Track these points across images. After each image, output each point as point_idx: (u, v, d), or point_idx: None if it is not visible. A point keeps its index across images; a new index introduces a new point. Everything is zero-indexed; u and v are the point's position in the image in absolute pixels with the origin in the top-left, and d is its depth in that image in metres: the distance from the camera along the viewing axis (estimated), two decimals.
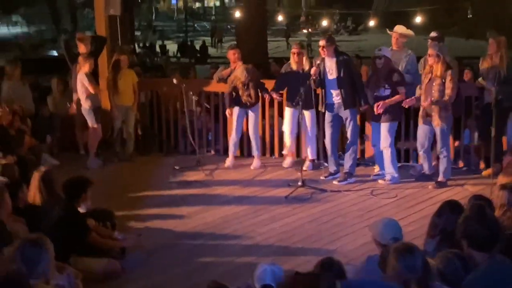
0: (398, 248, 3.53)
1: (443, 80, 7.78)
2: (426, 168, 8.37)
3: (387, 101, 8.07)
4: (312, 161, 9.12)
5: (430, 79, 7.90)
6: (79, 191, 6.01)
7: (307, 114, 8.86)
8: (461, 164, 9.04)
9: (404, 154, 9.12)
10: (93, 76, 9.44)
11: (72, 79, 9.72)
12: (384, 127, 8.23)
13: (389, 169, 8.33)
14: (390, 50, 8.43)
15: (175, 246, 6.64)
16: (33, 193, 6.16)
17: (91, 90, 9.17)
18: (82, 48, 9.52)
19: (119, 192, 8.29)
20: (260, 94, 9.09)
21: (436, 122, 7.88)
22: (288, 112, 9.03)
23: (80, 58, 9.24)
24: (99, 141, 9.56)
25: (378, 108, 8.06)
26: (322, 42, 8.30)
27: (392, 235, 4.31)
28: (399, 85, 8.10)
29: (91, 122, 9.34)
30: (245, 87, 8.92)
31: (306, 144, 9.06)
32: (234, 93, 9.04)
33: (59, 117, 10.37)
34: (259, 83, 9.03)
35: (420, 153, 8.35)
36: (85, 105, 9.29)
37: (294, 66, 8.82)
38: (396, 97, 8.10)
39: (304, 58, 8.81)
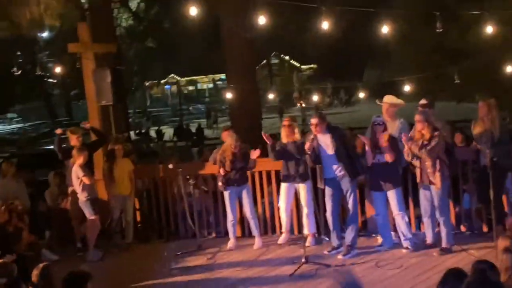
0: None
1: (433, 143, 7.83)
2: (429, 236, 8.27)
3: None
4: (313, 235, 9.03)
5: (422, 144, 7.94)
6: (79, 286, 5.90)
7: (303, 187, 8.84)
8: (463, 228, 8.96)
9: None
10: (89, 167, 9.45)
11: (67, 172, 9.72)
12: (392, 194, 8.24)
13: (407, 235, 8.29)
14: (400, 121, 8.50)
15: None
16: None
17: (86, 181, 9.16)
18: (74, 141, 9.57)
19: (121, 284, 8.16)
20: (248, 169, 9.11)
21: (436, 184, 7.86)
22: (283, 186, 9.04)
23: (74, 151, 9.27)
24: (98, 232, 9.47)
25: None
26: (314, 121, 8.37)
27: None
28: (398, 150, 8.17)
29: (88, 213, 9.28)
30: (234, 159, 8.93)
31: (305, 218, 8.99)
32: (223, 171, 9.01)
33: (57, 211, 10.32)
34: (247, 154, 9.06)
35: (425, 219, 8.28)
36: (82, 197, 9.26)
37: (284, 140, 8.89)
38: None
39: (296, 130, 8.88)
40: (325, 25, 9.36)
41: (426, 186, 8.04)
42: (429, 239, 8.29)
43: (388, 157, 8.14)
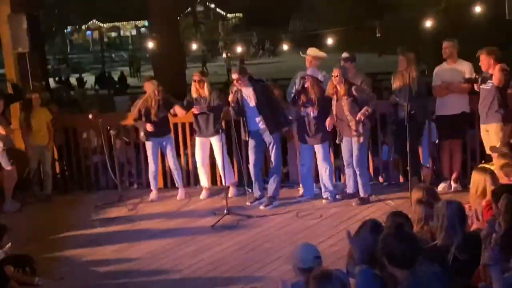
0: (316, 276, 3.56)
1: (352, 98, 7.94)
2: (349, 186, 8.49)
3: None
4: (234, 185, 9.10)
5: (337, 99, 8.05)
6: None
7: (214, 141, 8.86)
8: (381, 179, 9.23)
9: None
10: (4, 116, 9.14)
11: None
12: (319, 148, 8.35)
13: (329, 187, 8.46)
14: (322, 74, 8.50)
15: (100, 287, 6.44)
16: None
17: (1, 132, 8.85)
18: None
19: (39, 235, 8.02)
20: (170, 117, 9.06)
21: (359, 137, 8.01)
22: (197, 141, 9.04)
23: None
24: (15, 183, 9.22)
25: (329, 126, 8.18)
26: (234, 76, 8.34)
27: (313, 254, 4.32)
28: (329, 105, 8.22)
29: (4, 164, 9.00)
30: (158, 108, 8.87)
31: (221, 171, 9.03)
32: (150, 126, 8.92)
33: None
34: (169, 103, 9.00)
35: (346, 170, 8.48)
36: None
37: (194, 94, 8.86)
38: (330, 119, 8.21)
39: (205, 85, 8.84)
40: None
41: (348, 138, 8.19)
42: (349, 188, 8.50)
43: (314, 111, 8.21)
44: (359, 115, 7.94)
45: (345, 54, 8.91)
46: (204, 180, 9.18)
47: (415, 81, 8.37)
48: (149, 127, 8.84)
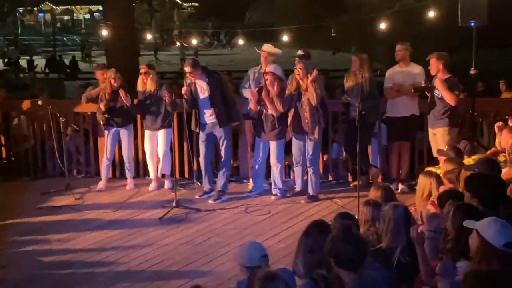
0: (261, 276, 3.57)
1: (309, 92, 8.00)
2: (298, 184, 8.54)
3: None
4: (168, 177, 9.07)
5: (298, 95, 8.09)
6: None
7: (162, 133, 8.86)
8: (330, 177, 9.33)
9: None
10: None
11: None
12: (274, 144, 8.37)
13: (279, 184, 8.48)
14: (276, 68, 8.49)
15: (44, 277, 6.36)
16: None
17: None
18: None
19: None
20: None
21: (315, 135, 8.06)
22: (146, 134, 9.01)
23: None
24: None
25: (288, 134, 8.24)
26: (187, 69, 8.29)
27: (260, 253, 4.35)
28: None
29: None
30: (115, 96, 8.77)
31: (161, 162, 9.03)
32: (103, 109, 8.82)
33: None
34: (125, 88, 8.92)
35: (296, 168, 8.51)
36: None
37: (140, 88, 8.81)
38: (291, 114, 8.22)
39: (150, 78, 8.77)
40: None
41: (300, 136, 8.23)
42: (298, 186, 8.55)
43: (274, 112, 8.22)
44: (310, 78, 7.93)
45: (300, 52, 8.93)
46: (153, 171, 9.11)
47: (367, 82, 8.47)
48: (102, 106, 8.74)
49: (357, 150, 7.90)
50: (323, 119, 8.19)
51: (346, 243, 3.89)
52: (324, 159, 9.33)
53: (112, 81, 8.74)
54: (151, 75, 8.77)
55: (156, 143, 8.96)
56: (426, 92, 8.33)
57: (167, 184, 9.04)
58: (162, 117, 8.72)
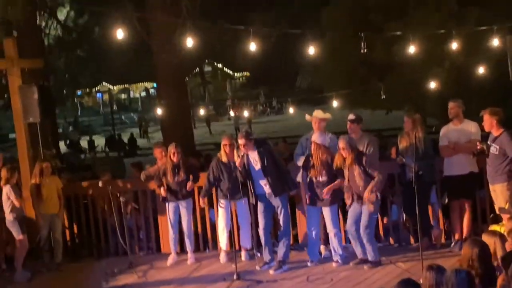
0: None
1: (362, 168, 7.97)
2: (359, 252, 8.34)
3: (331, 186, 8.19)
4: (246, 250, 9.07)
5: (348, 169, 8.09)
6: None
7: (241, 204, 8.91)
8: (391, 241, 9.17)
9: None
10: (17, 186, 9.24)
11: None
12: (327, 211, 8.34)
13: (339, 250, 8.41)
14: (328, 136, 8.55)
15: None
16: None
17: (17, 204, 8.94)
18: None
19: None
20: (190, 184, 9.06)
21: (368, 206, 7.99)
22: (222, 204, 9.02)
23: (3, 171, 9.03)
24: (26, 252, 9.25)
25: (325, 194, 8.18)
26: (241, 141, 8.39)
27: None
28: (338, 171, 8.23)
29: (16, 233, 9.05)
30: (175, 170, 8.91)
31: (241, 234, 9.03)
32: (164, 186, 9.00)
33: None
34: (190, 166, 9.04)
35: (351, 237, 8.32)
36: (9, 217, 9.03)
37: (224, 158, 8.88)
38: (338, 182, 8.23)
39: (235, 150, 8.88)
40: (252, 46, 9.44)
41: (357, 205, 8.15)
42: (359, 254, 8.34)
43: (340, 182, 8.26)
44: (371, 195, 7.93)
45: (351, 116, 8.92)
46: (224, 243, 9.10)
47: (422, 142, 8.43)
48: (162, 192, 8.90)
49: (416, 211, 7.82)
50: (377, 189, 8.10)
51: None
52: (384, 222, 9.21)
53: (172, 155, 8.93)
54: (235, 147, 8.83)
55: (230, 213, 8.96)
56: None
57: (244, 256, 9.00)
58: (241, 186, 8.68)
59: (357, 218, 8.18)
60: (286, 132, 28.46)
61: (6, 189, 9.00)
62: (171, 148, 9.01)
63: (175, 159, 8.98)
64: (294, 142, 9.35)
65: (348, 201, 8.21)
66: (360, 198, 8.06)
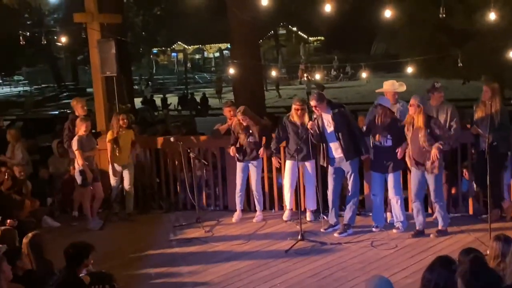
0: None
1: (428, 130, 7.83)
2: (419, 222, 8.23)
3: (401, 150, 8.13)
4: (313, 211, 9.13)
5: (414, 129, 7.96)
6: (81, 258, 6.00)
7: (307, 165, 8.93)
8: (460, 211, 9.04)
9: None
10: (91, 137, 9.53)
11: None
12: (391, 177, 8.29)
13: (400, 217, 8.37)
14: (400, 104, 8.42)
15: None
16: (24, 259, 6.17)
17: (79, 161, 9.21)
18: (79, 111, 9.67)
19: (119, 253, 8.29)
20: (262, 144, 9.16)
21: (434, 169, 7.88)
22: (288, 164, 9.09)
23: (78, 120, 9.34)
24: (100, 201, 9.59)
25: (399, 155, 8.13)
26: (313, 102, 8.39)
27: None
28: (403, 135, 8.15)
29: (78, 182, 9.38)
30: (247, 132, 9.03)
31: (307, 195, 9.09)
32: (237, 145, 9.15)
33: (59, 178, 10.43)
34: (263, 128, 9.15)
35: (414, 204, 8.23)
36: (77, 166, 9.34)
37: (295, 119, 8.91)
38: (405, 146, 8.15)
39: (306, 113, 8.90)
40: (327, 7, 9.33)
41: (419, 170, 8.05)
42: (418, 225, 8.24)
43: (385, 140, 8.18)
44: (432, 155, 7.80)
45: (436, 84, 8.76)
46: (289, 202, 9.19)
47: (498, 112, 8.22)
48: (232, 152, 9.04)
49: (487, 182, 7.67)
50: (444, 155, 7.95)
51: (480, 278, 3.76)
52: (453, 192, 9.06)
53: (241, 120, 9.04)
54: (306, 113, 8.90)
55: (296, 174, 9.02)
56: None
57: (309, 216, 9.10)
58: (307, 148, 8.76)
59: (420, 185, 8.08)
60: (359, 99, 28.13)
61: (74, 139, 9.27)
62: (239, 115, 9.09)
63: (244, 123, 9.07)
64: (366, 109, 9.22)
65: (410, 165, 8.08)
66: (418, 163, 7.94)
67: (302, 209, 8.99)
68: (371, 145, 8.44)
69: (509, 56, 10.33)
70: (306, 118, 8.84)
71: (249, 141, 9.10)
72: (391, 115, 8.22)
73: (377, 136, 8.26)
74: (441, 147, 7.77)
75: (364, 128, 8.60)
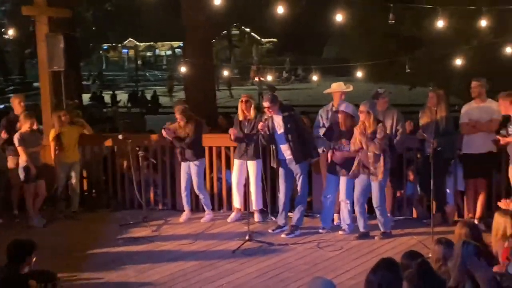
0: None
1: (376, 135, 7.95)
2: (361, 225, 8.35)
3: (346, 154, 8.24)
4: (260, 211, 9.16)
5: (365, 135, 8.06)
6: (24, 255, 5.89)
7: (253, 164, 8.95)
8: (404, 214, 9.20)
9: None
10: (35, 133, 9.35)
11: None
12: (344, 180, 8.37)
13: (347, 220, 8.47)
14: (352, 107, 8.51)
15: None
16: None
17: (22, 157, 9.06)
18: (16, 107, 9.49)
19: (63, 252, 8.15)
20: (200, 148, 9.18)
21: (378, 176, 8.00)
22: (236, 163, 9.13)
23: (22, 116, 9.15)
24: (43, 198, 9.41)
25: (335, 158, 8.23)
26: (265, 103, 8.43)
27: None
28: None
29: (23, 179, 9.20)
30: (184, 131, 9.04)
31: (253, 195, 9.11)
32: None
33: (3, 174, 10.19)
34: (197, 125, 9.13)
35: (356, 208, 8.33)
36: (21, 162, 9.16)
37: (240, 116, 8.95)
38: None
39: (252, 107, 8.93)
40: (280, 9, 9.37)
41: (364, 176, 8.17)
42: (361, 227, 8.36)
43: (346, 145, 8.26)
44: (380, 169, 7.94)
45: (380, 90, 8.92)
46: (237, 201, 9.23)
47: (444, 118, 8.41)
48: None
49: (431, 186, 7.85)
50: (389, 159, 8.08)
51: (427, 281, 3.82)
52: (398, 195, 9.22)
53: (179, 119, 9.02)
54: (252, 105, 8.94)
55: (245, 173, 9.03)
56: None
57: (257, 217, 9.12)
58: (254, 147, 8.81)
59: (364, 190, 8.20)
60: (310, 101, 28.28)
61: (16, 135, 9.09)
62: (176, 114, 9.06)
63: (182, 123, 9.05)
64: (317, 111, 9.31)
65: (355, 173, 8.18)
66: (367, 168, 8.06)
67: (251, 209, 9.01)
68: (331, 147, 8.48)
69: (456, 64, 10.60)
70: (252, 112, 8.88)
71: (185, 142, 9.07)
72: (352, 121, 8.27)
73: (343, 140, 8.30)
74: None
75: (316, 132, 8.66)
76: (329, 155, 8.40)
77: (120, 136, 9.44)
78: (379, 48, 16.34)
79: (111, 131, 11.62)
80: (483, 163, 8.44)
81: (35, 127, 9.18)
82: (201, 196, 9.33)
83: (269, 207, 9.18)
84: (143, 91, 34.99)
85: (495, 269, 5.37)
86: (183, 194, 9.34)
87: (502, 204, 6.69)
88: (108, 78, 47.86)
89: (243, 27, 53.72)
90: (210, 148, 9.64)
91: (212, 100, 15.31)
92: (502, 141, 8.00)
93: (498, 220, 5.75)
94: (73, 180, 9.59)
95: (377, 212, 8.24)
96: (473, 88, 8.53)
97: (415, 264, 4.46)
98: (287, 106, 8.89)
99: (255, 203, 9.13)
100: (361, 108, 8.02)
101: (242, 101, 8.99)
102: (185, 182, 9.28)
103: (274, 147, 8.59)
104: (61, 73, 9.94)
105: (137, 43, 56.87)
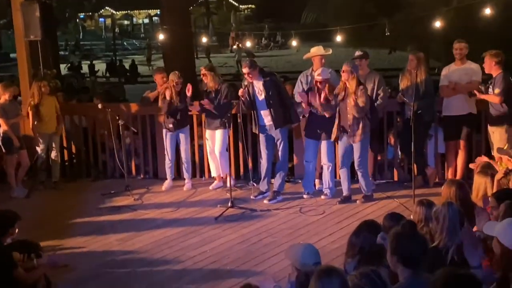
0: (318, 272, 3.60)
1: (356, 96, 7.95)
2: (345, 188, 8.42)
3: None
4: (220, 178, 9.23)
5: (344, 96, 8.06)
6: (6, 226, 5.86)
7: (218, 133, 8.98)
8: (385, 177, 9.27)
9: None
10: (14, 104, 9.24)
11: None
12: (324, 144, 8.38)
13: (329, 184, 8.51)
14: (329, 72, 8.47)
15: (104, 275, 6.55)
16: None
17: (3, 128, 8.97)
18: None
19: (45, 221, 8.12)
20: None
21: (356, 138, 8.02)
22: (207, 133, 9.19)
23: (0, 87, 9.03)
24: (26, 168, 9.34)
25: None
26: (245, 69, 8.40)
27: (313, 260, 4.34)
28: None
29: (3, 149, 9.12)
30: (177, 98, 8.97)
31: (219, 161, 9.11)
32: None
33: None
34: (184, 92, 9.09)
35: (341, 171, 8.40)
36: (1, 132, 9.08)
37: (206, 87, 9.04)
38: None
39: (210, 78, 8.91)
40: None
41: (345, 138, 8.18)
42: (344, 191, 8.43)
43: (327, 114, 8.24)
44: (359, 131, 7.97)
45: (358, 52, 8.88)
46: (214, 169, 9.26)
47: (423, 81, 8.41)
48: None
49: (412, 149, 7.89)
50: (369, 120, 8.10)
51: (412, 241, 3.85)
52: (379, 159, 9.28)
53: (175, 84, 8.93)
54: (209, 77, 8.91)
55: (215, 142, 9.06)
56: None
57: (215, 184, 9.21)
58: (220, 117, 8.85)
59: (346, 152, 8.22)
60: (289, 68, 28.21)
61: None
62: (174, 78, 8.98)
63: (177, 90, 8.97)
64: (296, 78, 9.28)
65: (334, 136, 8.20)
66: (345, 131, 8.07)
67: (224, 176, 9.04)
68: (308, 112, 8.47)
69: (435, 27, 10.58)
70: (212, 83, 8.89)
71: (180, 107, 9.01)
72: (329, 86, 8.23)
73: (315, 106, 8.28)
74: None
75: (297, 97, 8.63)
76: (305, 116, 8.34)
77: (99, 105, 9.35)
78: (358, 12, 16.29)
79: (90, 101, 11.47)
80: (463, 125, 8.50)
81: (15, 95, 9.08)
82: (186, 165, 9.30)
83: (251, 173, 9.19)
84: (121, 60, 34.57)
85: (475, 229, 5.46)
86: (169, 165, 9.31)
87: (473, 165, 6.76)
88: (86, 48, 47.23)
89: None
90: (191, 116, 9.59)
91: (191, 68, 15.16)
92: (479, 95, 8.07)
93: (479, 181, 5.83)
94: (54, 151, 9.51)
95: (359, 174, 8.29)
96: (458, 50, 8.47)
97: (401, 225, 4.50)
98: (268, 72, 8.85)
99: (221, 168, 9.15)
100: (344, 67, 7.98)
101: (202, 74, 9.02)
102: (172, 153, 9.25)
103: (255, 113, 8.57)
104: (38, 43, 9.77)
105: (114, 11, 56.15)
